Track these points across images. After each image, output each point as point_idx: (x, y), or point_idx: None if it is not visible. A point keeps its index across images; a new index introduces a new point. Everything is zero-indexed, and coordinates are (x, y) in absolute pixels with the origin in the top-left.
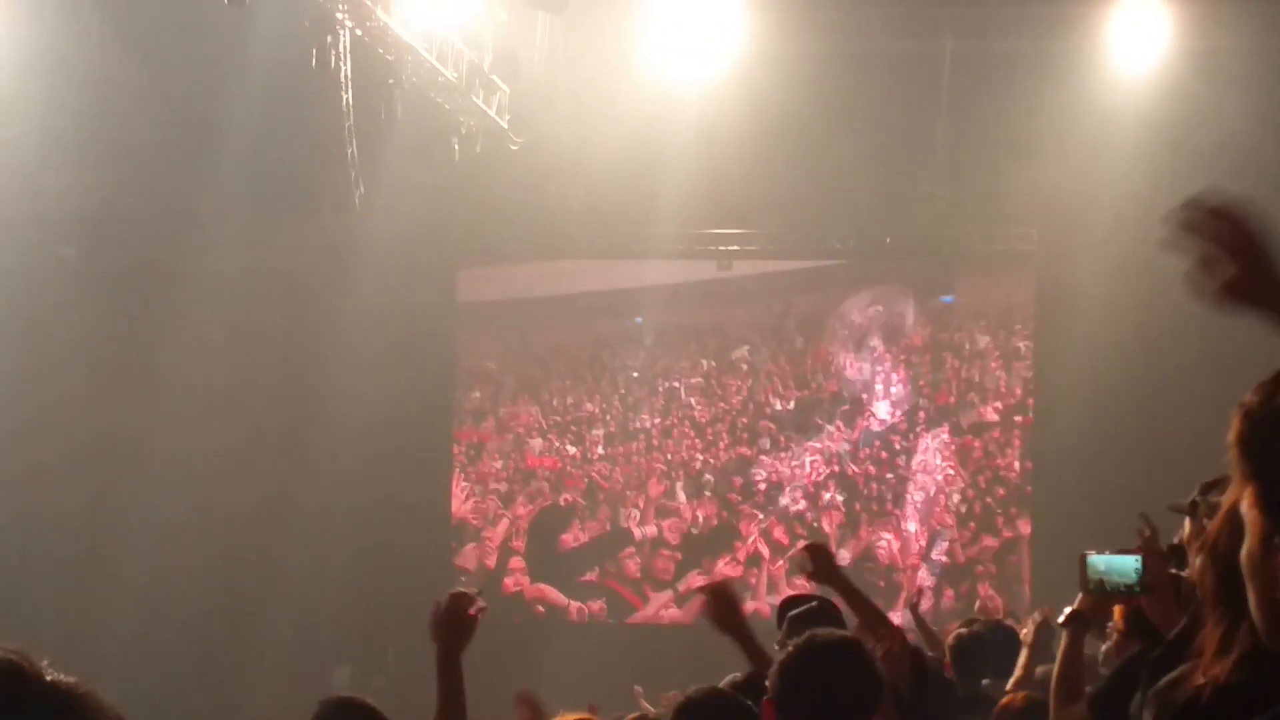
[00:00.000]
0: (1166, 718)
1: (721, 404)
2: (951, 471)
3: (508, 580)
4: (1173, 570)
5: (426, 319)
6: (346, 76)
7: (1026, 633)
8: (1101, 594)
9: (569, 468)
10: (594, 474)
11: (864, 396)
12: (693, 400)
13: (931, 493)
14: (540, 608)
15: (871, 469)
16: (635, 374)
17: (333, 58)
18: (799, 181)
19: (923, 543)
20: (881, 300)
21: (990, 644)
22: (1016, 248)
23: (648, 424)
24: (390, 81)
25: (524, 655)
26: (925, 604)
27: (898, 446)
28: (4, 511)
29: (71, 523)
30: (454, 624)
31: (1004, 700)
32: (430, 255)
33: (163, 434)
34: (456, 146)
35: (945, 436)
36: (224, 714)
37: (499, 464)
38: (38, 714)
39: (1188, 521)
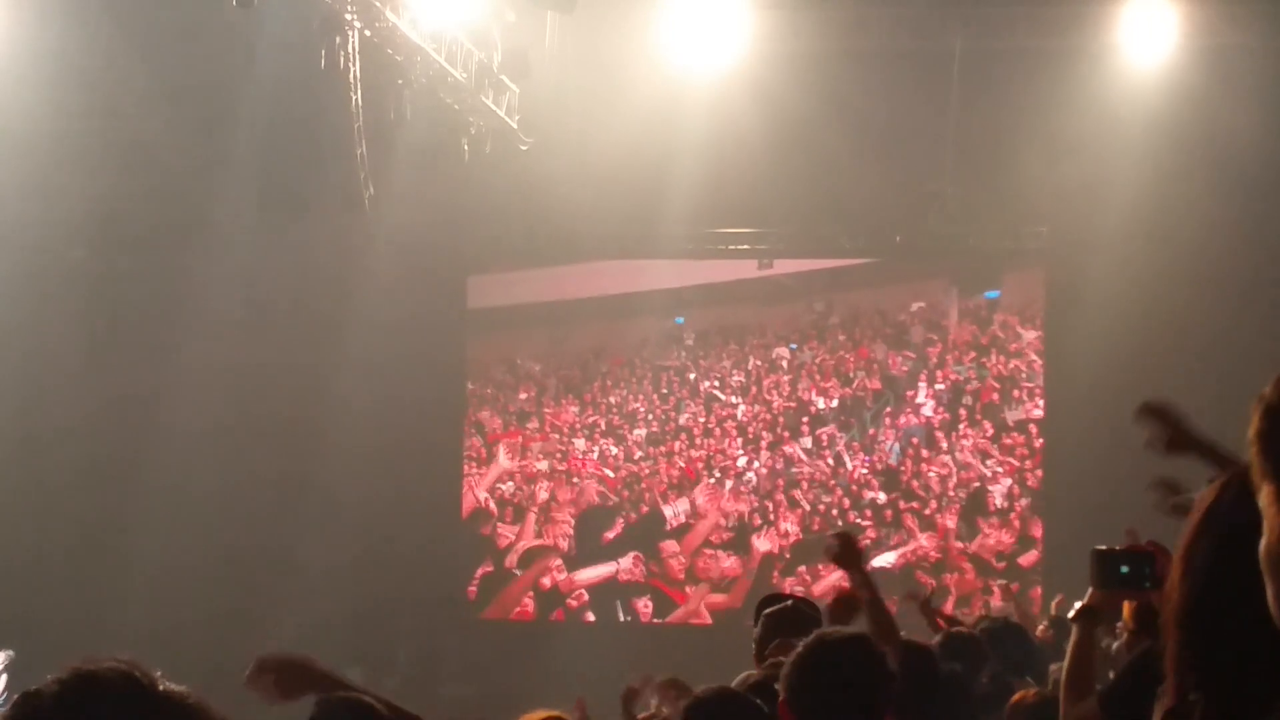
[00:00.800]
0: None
1: (763, 402)
2: (999, 468)
3: (544, 580)
4: None
5: (435, 319)
6: (355, 77)
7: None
8: (1112, 589)
9: (611, 467)
10: (636, 473)
11: (908, 393)
12: (734, 399)
13: (976, 489)
14: (585, 605)
15: (916, 466)
16: (682, 372)
17: (342, 59)
18: (809, 180)
19: (968, 540)
20: (925, 296)
21: (977, 644)
22: (1027, 245)
23: (689, 423)
24: (399, 82)
25: (557, 654)
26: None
27: (942, 444)
28: (13, 509)
29: (81, 522)
30: (294, 679)
31: (1016, 697)
32: (440, 256)
33: (172, 435)
34: (466, 147)
35: (990, 433)
36: (235, 714)
37: (543, 464)
38: None
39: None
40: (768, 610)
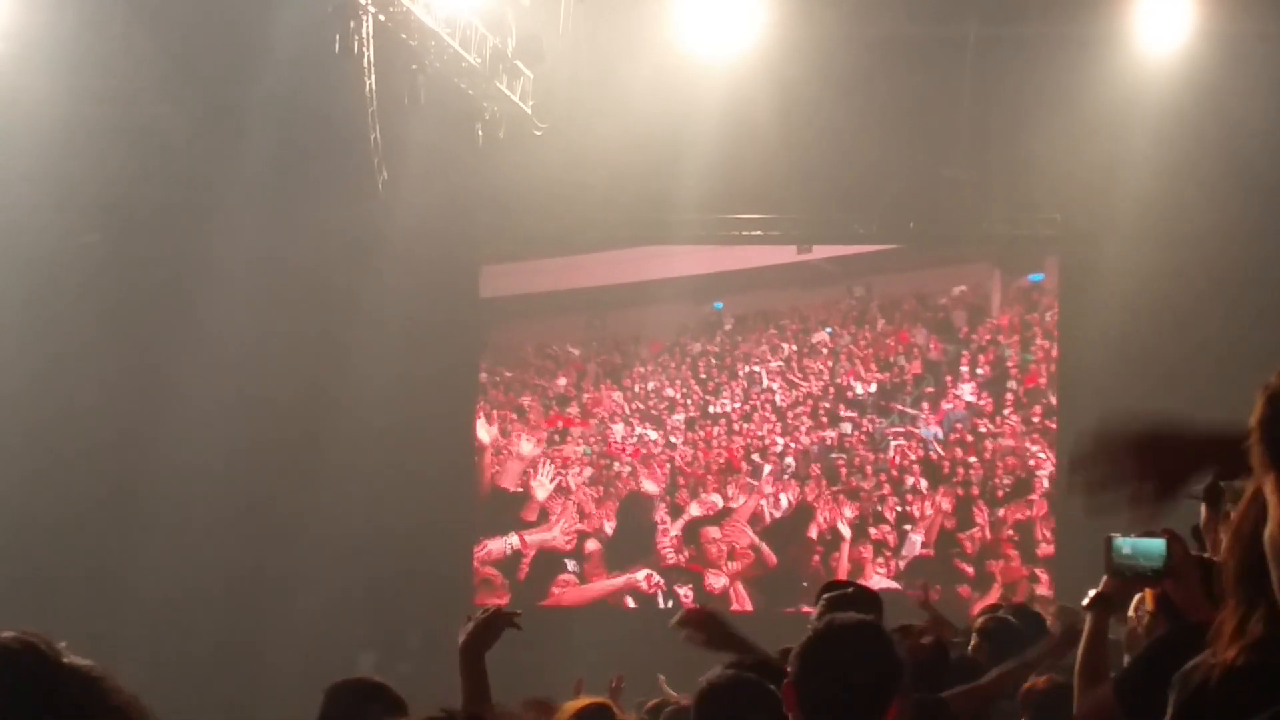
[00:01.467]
0: (1183, 701)
1: (801, 387)
2: (1042, 455)
3: (588, 566)
4: (1201, 554)
5: (448, 303)
6: (369, 62)
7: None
8: (1126, 577)
9: (651, 453)
10: (675, 459)
11: (948, 379)
12: (773, 385)
13: (1022, 478)
14: (627, 596)
15: (957, 453)
16: (720, 357)
17: (356, 43)
18: (823, 166)
19: (1012, 529)
20: (967, 280)
21: (1017, 629)
22: (1041, 232)
23: (728, 408)
24: (413, 67)
25: (575, 640)
26: (934, 595)
27: (984, 430)
28: (28, 495)
29: (95, 507)
30: (488, 631)
31: (1028, 683)
32: (453, 241)
33: (186, 421)
34: (480, 132)
35: (1036, 419)
36: (248, 701)
37: (582, 449)
38: (57, 694)
39: (1204, 507)
40: (828, 595)
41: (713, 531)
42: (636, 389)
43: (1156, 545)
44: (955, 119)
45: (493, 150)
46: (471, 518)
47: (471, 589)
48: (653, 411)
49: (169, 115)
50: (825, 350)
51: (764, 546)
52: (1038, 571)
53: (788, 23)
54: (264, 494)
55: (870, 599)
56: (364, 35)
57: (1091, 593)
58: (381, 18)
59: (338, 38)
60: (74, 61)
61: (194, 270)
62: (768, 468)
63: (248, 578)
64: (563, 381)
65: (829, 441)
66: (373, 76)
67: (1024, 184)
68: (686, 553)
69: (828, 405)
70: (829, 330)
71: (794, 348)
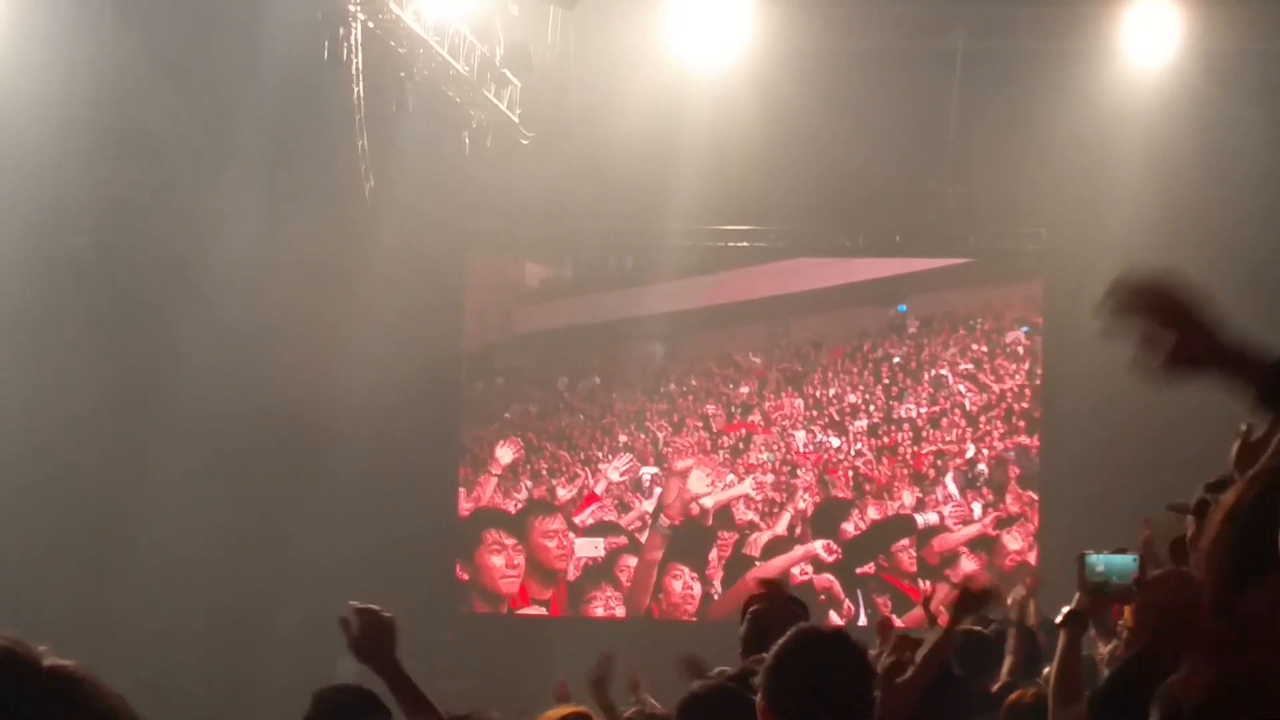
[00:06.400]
0: (1170, 715)
1: (995, 390)
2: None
3: (795, 571)
4: (1180, 568)
5: (434, 309)
6: (358, 69)
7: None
8: (1100, 594)
9: (833, 460)
10: (859, 466)
11: None
12: (961, 388)
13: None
14: (823, 598)
15: None
16: (905, 361)
17: (345, 50)
18: (809, 179)
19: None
20: None
21: (998, 646)
22: (1025, 246)
23: (913, 414)
24: (402, 74)
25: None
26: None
27: None
28: (16, 499)
29: (81, 512)
30: (379, 637)
31: (1013, 696)
32: (438, 247)
33: (173, 424)
34: (467, 140)
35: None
36: (229, 706)
37: (765, 456)
38: (36, 699)
39: (1190, 521)
40: (753, 609)
41: (904, 541)
42: (818, 395)
43: (1129, 562)
44: (942, 133)
45: (479, 158)
46: (456, 522)
47: (452, 598)
48: (835, 418)
49: (158, 119)
50: (1021, 350)
51: (961, 557)
52: None
53: (776, 35)
54: (250, 495)
55: (799, 609)
56: (353, 42)
57: (1065, 610)
58: (371, 25)
59: (327, 44)
60: (64, 65)
61: (181, 275)
62: (950, 475)
63: (231, 581)
64: (745, 390)
65: (1027, 448)
66: (361, 83)
67: (1009, 198)
68: (878, 562)
69: (1024, 408)
70: (1025, 329)
71: (984, 348)
